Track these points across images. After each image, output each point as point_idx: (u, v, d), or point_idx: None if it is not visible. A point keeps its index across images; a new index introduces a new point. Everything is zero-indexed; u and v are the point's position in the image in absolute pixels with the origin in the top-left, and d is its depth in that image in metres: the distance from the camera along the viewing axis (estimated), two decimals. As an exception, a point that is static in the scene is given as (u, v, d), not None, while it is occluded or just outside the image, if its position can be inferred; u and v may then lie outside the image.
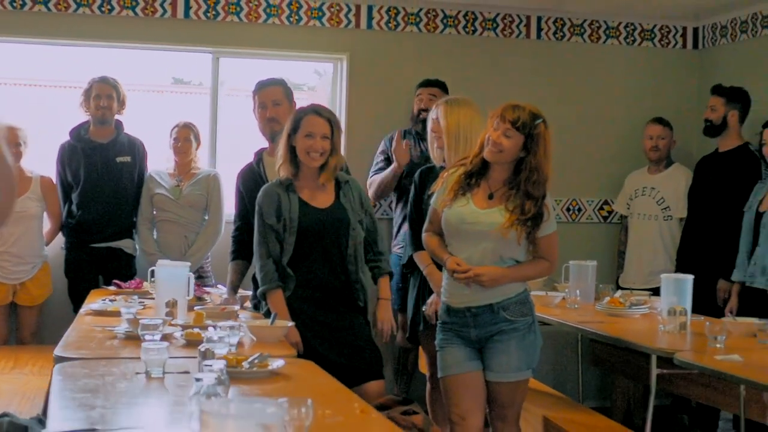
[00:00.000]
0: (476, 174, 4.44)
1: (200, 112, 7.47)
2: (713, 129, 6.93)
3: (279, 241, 4.78)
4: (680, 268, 6.67)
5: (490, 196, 4.38)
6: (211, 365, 3.00)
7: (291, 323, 4.50)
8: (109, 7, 7.05)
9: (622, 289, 6.60)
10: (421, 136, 6.80)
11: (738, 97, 6.88)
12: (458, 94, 5.56)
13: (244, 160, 5.73)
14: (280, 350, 4.06)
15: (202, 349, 3.44)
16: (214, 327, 4.02)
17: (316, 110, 4.93)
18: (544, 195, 4.34)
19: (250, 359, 3.63)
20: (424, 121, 6.73)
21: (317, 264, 4.80)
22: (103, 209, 6.66)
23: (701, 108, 7.62)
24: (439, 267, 4.74)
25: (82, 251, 6.68)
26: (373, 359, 4.85)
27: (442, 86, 7.05)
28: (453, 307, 4.46)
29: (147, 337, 3.84)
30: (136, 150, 6.78)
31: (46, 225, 6.75)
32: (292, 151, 4.86)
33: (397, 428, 2.91)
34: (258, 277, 4.84)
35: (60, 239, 6.81)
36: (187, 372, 3.57)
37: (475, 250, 4.35)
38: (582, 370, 6.98)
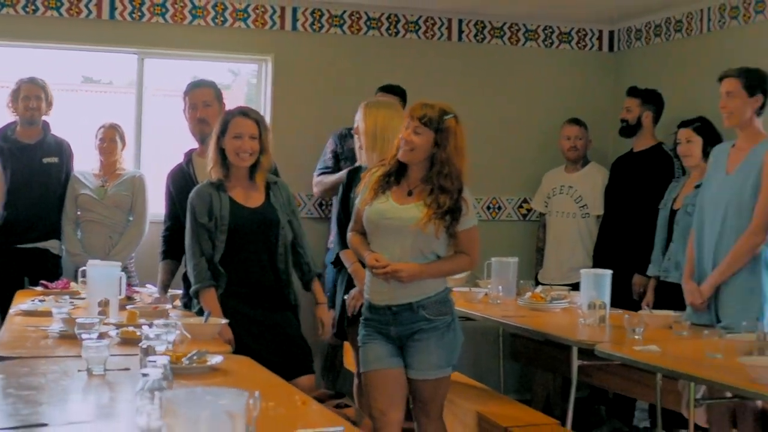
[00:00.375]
0: (395, 173, 4.54)
1: (118, 112, 7.50)
2: (629, 129, 7.16)
3: (211, 240, 4.87)
4: (597, 263, 6.87)
5: (409, 193, 4.47)
6: (155, 361, 3.09)
7: (225, 320, 4.60)
8: (33, 7, 7.06)
9: (542, 284, 6.78)
10: None
11: (652, 99, 7.12)
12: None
13: (168, 160, 5.79)
14: (214, 347, 4.15)
15: (144, 346, 3.53)
16: (149, 325, 4.11)
17: (243, 112, 5.03)
18: (460, 189, 4.40)
19: (189, 355, 3.73)
20: None
21: (249, 262, 4.89)
22: (30, 210, 6.67)
23: (616, 109, 7.85)
24: (364, 265, 4.86)
25: (7, 252, 6.67)
26: (303, 355, 4.96)
27: (401, 94, 7.14)
28: (374, 305, 4.54)
29: (84, 336, 3.92)
30: (63, 151, 6.80)
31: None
32: (221, 153, 4.94)
33: (338, 418, 3.03)
34: (190, 276, 4.92)
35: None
36: (127, 369, 3.66)
37: (396, 245, 4.42)
38: (503, 363, 7.14)
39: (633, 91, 7.21)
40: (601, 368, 5.99)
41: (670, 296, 6.01)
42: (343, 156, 7.13)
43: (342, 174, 6.85)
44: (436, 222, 4.35)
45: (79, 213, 6.77)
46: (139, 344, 3.61)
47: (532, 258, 7.75)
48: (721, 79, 5.40)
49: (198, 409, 1.98)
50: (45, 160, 6.70)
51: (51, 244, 6.73)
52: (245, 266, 4.89)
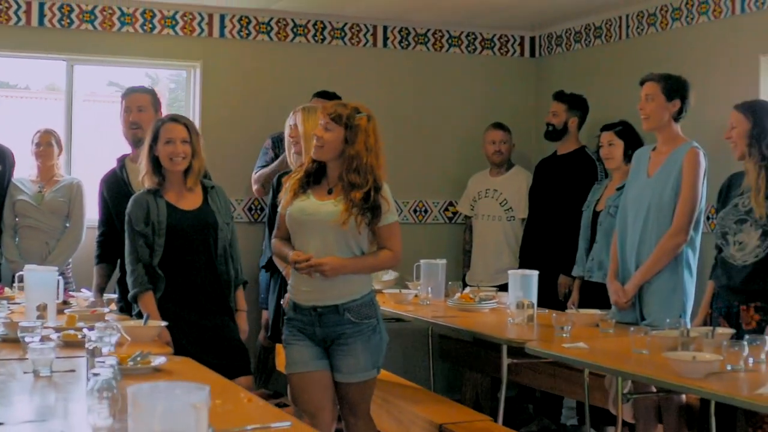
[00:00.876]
0: (314, 173, 4.63)
1: (38, 118, 7.51)
2: (555, 133, 7.32)
3: (148, 245, 4.93)
4: (523, 265, 7.00)
5: (329, 191, 4.56)
6: (104, 362, 3.17)
7: (164, 323, 4.67)
8: (-39, 15, 7.07)
9: (470, 286, 6.91)
10: None
11: (578, 105, 7.29)
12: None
13: (98, 166, 5.82)
14: (154, 349, 4.22)
15: (91, 347, 3.60)
16: (89, 328, 4.17)
17: (173, 117, 5.13)
18: (377, 187, 4.49)
19: (133, 356, 3.80)
20: None
21: (188, 264, 4.96)
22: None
23: (538, 113, 8.05)
24: (293, 265, 4.95)
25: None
26: (241, 356, 5.05)
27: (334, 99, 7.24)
28: (299, 305, 4.60)
29: (27, 339, 3.97)
30: (6, 158, 6.78)
31: None
32: (154, 161, 5.01)
33: (284, 414, 3.13)
34: (128, 281, 4.97)
35: None
36: (73, 370, 3.73)
37: (321, 241, 4.49)
38: (432, 364, 7.27)
39: (560, 96, 7.36)
40: (529, 367, 6.16)
41: (594, 295, 6.17)
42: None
43: (277, 164, 6.95)
44: (357, 218, 4.43)
45: (17, 219, 6.76)
46: (86, 346, 3.68)
47: (458, 260, 7.88)
48: (642, 82, 5.59)
49: (163, 402, 2.07)
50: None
51: (-12, 253, 6.72)
52: (185, 269, 4.96)
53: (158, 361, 3.86)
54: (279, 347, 6.33)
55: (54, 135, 6.88)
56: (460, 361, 7.46)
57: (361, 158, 4.46)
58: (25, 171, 6.94)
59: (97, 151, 7.85)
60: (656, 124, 5.49)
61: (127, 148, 5.84)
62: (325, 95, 7.17)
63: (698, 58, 6.73)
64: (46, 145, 6.82)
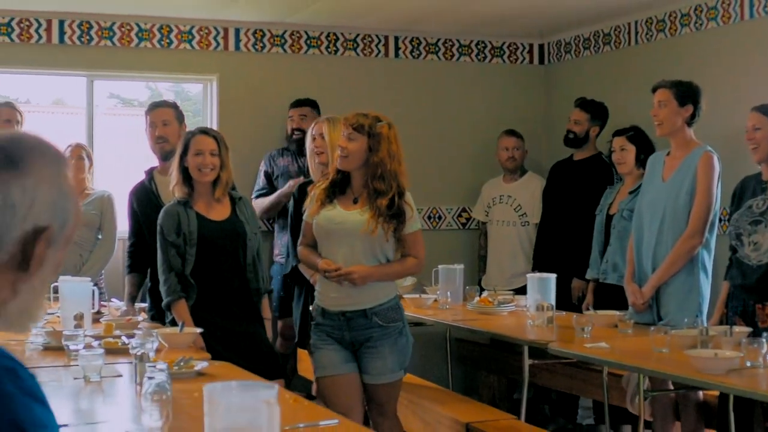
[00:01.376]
0: (339, 183, 4.81)
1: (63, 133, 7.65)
2: (576, 141, 7.41)
3: (180, 255, 5.08)
4: (536, 268, 7.14)
5: (355, 201, 4.74)
6: (155, 366, 3.33)
7: (199, 330, 4.81)
8: (-16, 33, 7.22)
9: (486, 290, 7.03)
10: (298, 153, 7.19)
11: (601, 114, 7.38)
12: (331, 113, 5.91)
13: (117, 178, 5.95)
14: (194, 355, 4.36)
15: (139, 353, 3.75)
16: (127, 336, 4.33)
17: (203, 130, 5.30)
18: (401, 193, 4.67)
19: (177, 362, 3.95)
20: (297, 140, 7.14)
21: (218, 273, 5.12)
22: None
23: (548, 119, 8.21)
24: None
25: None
26: (274, 360, 5.20)
27: (312, 105, 7.42)
28: (328, 310, 4.77)
29: (72, 347, 4.13)
30: None
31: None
32: (184, 171, 5.17)
33: (330, 412, 3.27)
34: (162, 290, 5.13)
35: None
36: (120, 375, 3.89)
37: (348, 250, 4.67)
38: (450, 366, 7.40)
39: (583, 105, 7.44)
40: (545, 368, 6.29)
41: (608, 298, 6.31)
42: (275, 175, 7.35)
43: (280, 193, 7.09)
44: (384, 226, 4.61)
45: None
46: (132, 352, 3.83)
47: (473, 265, 8.02)
48: (654, 89, 5.73)
49: (238, 399, 2.22)
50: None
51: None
52: (216, 277, 5.11)
53: (201, 365, 4.01)
54: (302, 353, 6.45)
55: (84, 149, 7.01)
56: (477, 364, 7.60)
57: (385, 165, 4.62)
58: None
59: (114, 163, 8.00)
60: (670, 129, 5.63)
61: (151, 161, 5.99)
62: (300, 104, 7.34)
63: (707, 64, 6.87)
64: (77, 158, 6.94)
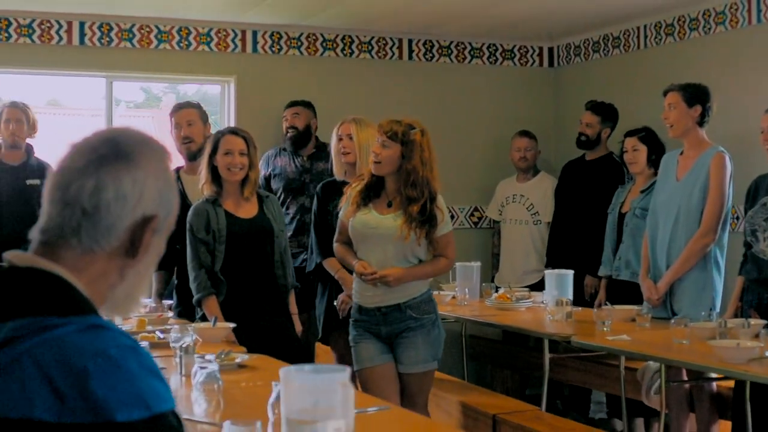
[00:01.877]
0: (374, 186, 4.97)
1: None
2: (588, 143, 7.54)
3: (210, 252, 5.23)
4: (549, 266, 7.27)
5: (389, 204, 4.91)
6: (203, 357, 3.48)
7: (232, 324, 4.95)
8: (6, 35, 7.34)
9: (499, 287, 7.18)
10: (294, 153, 7.34)
11: (612, 116, 7.51)
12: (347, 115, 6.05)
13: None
14: (230, 348, 4.50)
15: (184, 345, 3.89)
16: (161, 331, 4.47)
17: (233, 130, 5.45)
18: (432, 198, 4.85)
19: (218, 354, 4.10)
20: (291, 138, 7.26)
21: (247, 270, 5.27)
22: (14, 229, 6.91)
23: (557, 121, 8.36)
24: (349, 271, 5.27)
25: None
26: (304, 354, 5.36)
27: (305, 104, 7.54)
28: (364, 307, 4.96)
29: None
30: (45, 173, 7.04)
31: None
32: (213, 170, 5.31)
33: (378, 400, 3.41)
34: (192, 286, 5.26)
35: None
36: (163, 368, 4.02)
37: (382, 252, 4.87)
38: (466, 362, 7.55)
39: (594, 108, 7.58)
40: (558, 362, 6.43)
41: (619, 294, 6.45)
42: (273, 175, 7.45)
43: None
44: (417, 230, 4.78)
45: None
46: (175, 345, 3.97)
47: (486, 263, 8.15)
48: (665, 93, 5.89)
49: (314, 381, 2.36)
50: (29, 182, 6.92)
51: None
52: (245, 274, 5.25)
53: (241, 357, 4.16)
54: (325, 349, 6.55)
55: None
56: (490, 359, 7.74)
57: (417, 172, 4.79)
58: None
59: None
60: (681, 131, 5.79)
61: (179, 161, 6.13)
62: (294, 104, 7.48)
63: (716, 67, 7.01)
64: None
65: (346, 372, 2.41)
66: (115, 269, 1.85)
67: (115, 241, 1.82)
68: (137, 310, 3.99)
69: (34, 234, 1.87)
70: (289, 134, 7.42)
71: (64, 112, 9.37)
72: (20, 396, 1.59)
